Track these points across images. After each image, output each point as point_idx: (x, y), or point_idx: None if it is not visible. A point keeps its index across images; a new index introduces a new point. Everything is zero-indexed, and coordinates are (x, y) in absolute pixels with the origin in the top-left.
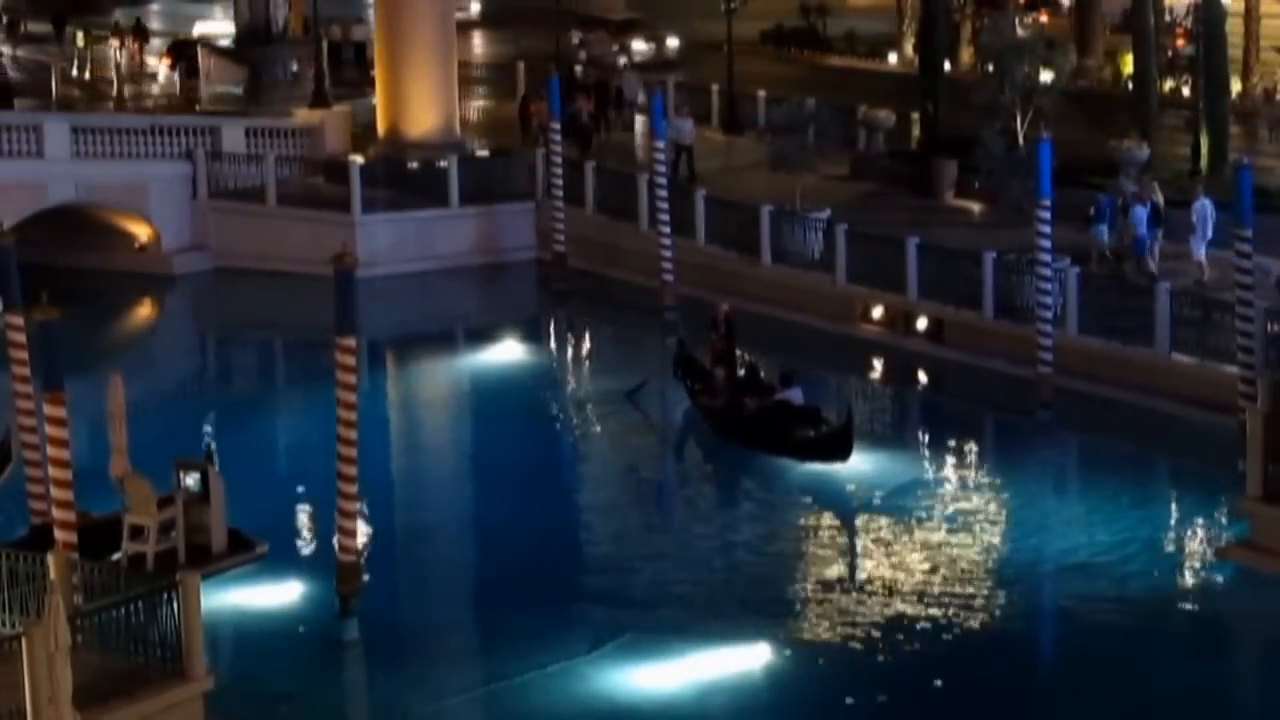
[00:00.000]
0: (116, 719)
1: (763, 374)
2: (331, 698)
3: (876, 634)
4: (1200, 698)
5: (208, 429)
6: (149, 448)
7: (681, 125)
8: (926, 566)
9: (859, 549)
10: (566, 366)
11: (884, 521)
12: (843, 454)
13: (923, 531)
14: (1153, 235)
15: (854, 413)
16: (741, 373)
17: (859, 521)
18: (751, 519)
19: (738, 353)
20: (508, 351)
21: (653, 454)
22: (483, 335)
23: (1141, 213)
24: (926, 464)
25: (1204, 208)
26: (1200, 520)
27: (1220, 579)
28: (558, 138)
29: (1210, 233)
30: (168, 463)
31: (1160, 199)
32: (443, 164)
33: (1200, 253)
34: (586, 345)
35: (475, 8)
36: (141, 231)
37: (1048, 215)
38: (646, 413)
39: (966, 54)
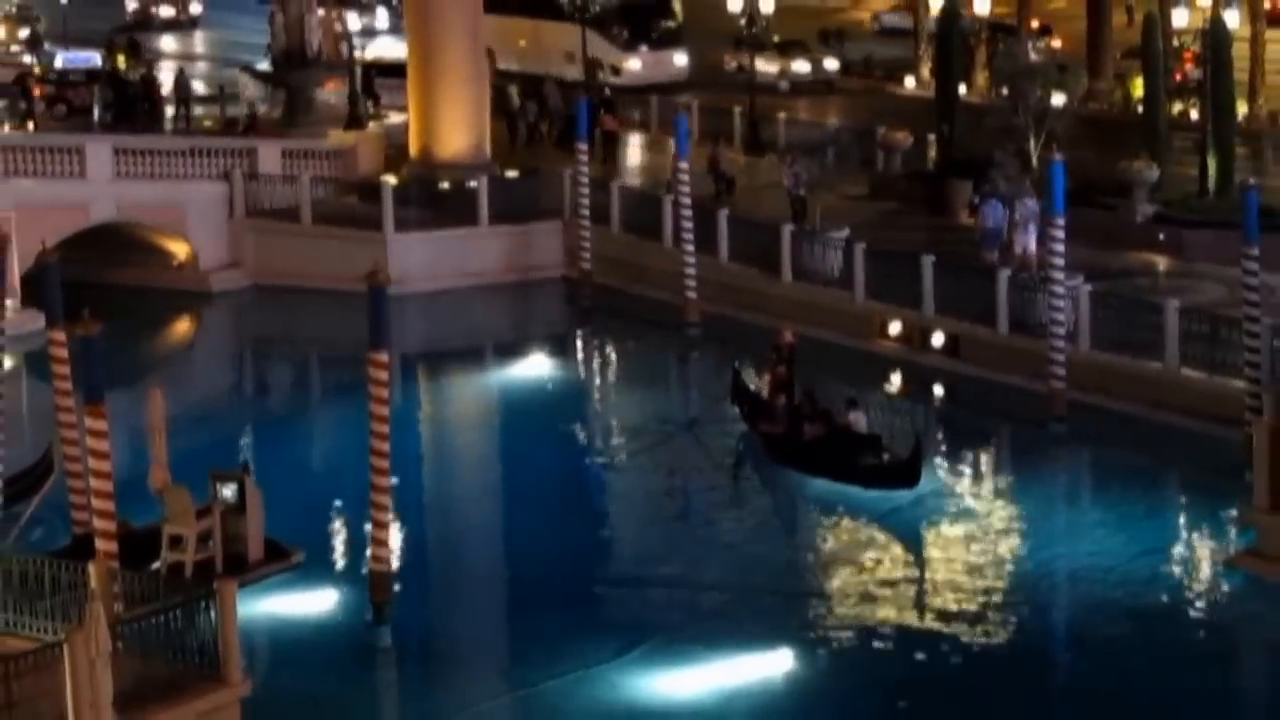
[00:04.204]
0: None
1: (819, 400)
2: (365, 704)
3: (897, 642)
4: (1209, 702)
5: (244, 441)
6: (188, 460)
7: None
8: (946, 575)
9: (881, 560)
10: (594, 382)
11: (905, 533)
12: (911, 482)
13: (943, 541)
14: (1031, 231)
15: (922, 441)
16: (797, 400)
17: (881, 534)
18: (780, 534)
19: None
20: (536, 366)
21: (698, 474)
22: (512, 351)
23: (997, 208)
24: (945, 476)
25: (1032, 206)
26: (1209, 530)
27: (1229, 587)
28: (585, 158)
29: (1034, 228)
30: (206, 474)
31: (1033, 198)
32: (473, 184)
33: (1029, 245)
34: (613, 360)
35: None
36: (180, 250)
37: (1061, 234)
38: (702, 439)
39: (981, 78)
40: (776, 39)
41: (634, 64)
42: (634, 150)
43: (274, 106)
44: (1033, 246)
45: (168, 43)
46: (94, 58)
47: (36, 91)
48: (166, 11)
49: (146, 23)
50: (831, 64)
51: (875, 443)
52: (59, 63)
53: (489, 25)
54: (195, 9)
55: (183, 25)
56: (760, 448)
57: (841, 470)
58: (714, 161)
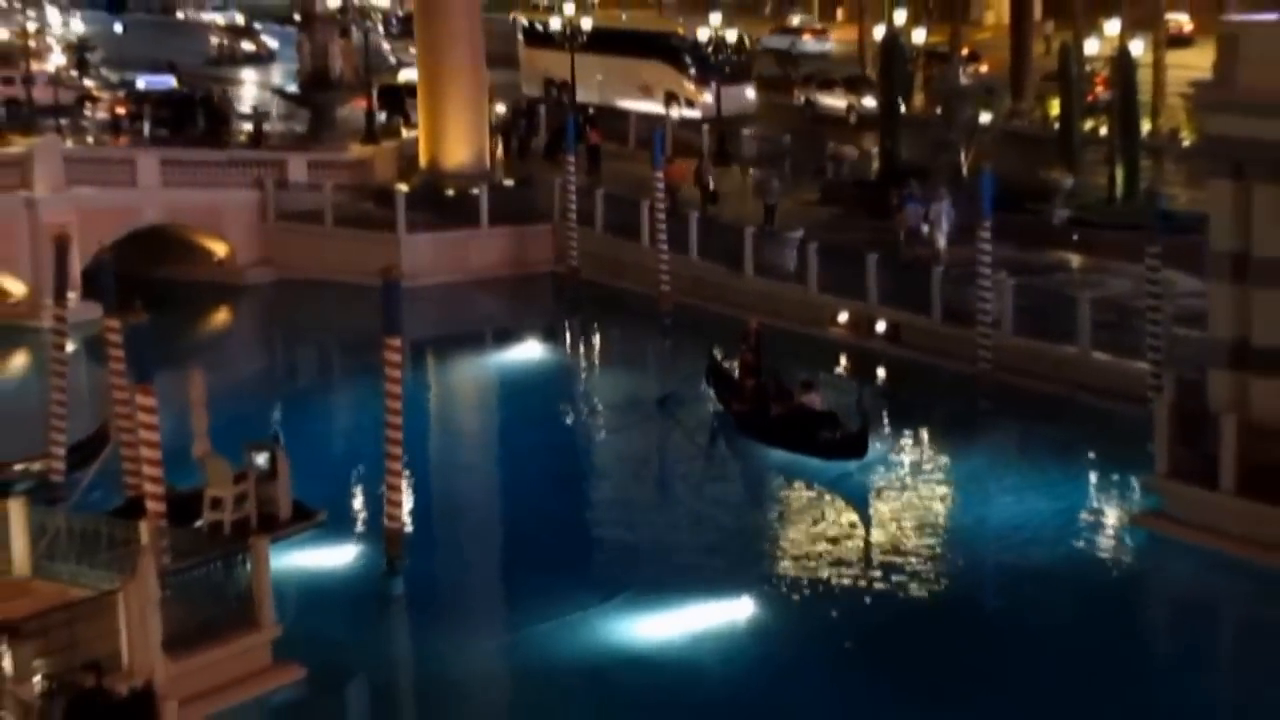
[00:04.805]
0: (198, 662)
1: (783, 382)
2: (380, 643)
3: (845, 590)
4: (1115, 636)
5: (275, 415)
6: (225, 432)
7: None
8: (889, 533)
9: (833, 520)
10: (581, 364)
11: (854, 496)
12: (860, 453)
13: (886, 504)
14: (945, 226)
15: (869, 417)
16: (764, 382)
17: (834, 497)
18: (746, 498)
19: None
20: (530, 351)
21: (671, 444)
22: (508, 337)
23: (916, 209)
24: (888, 447)
25: (945, 205)
26: (1116, 494)
27: (1133, 543)
28: (572, 168)
29: (947, 226)
30: (241, 445)
31: (945, 203)
32: (474, 192)
33: (941, 241)
34: (597, 345)
35: None
36: (218, 248)
37: (988, 235)
38: (672, 413)
39: (919, 98)
40: (842, 75)
41: (707, 97)
42: (616, 162)
43: (301, 123)
44: (943, 241)
45: (248, 74)
46: (170, 80)
47: (120, 110)
48: (248, 46)
49: (231, 57)
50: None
51: (831, 419)
52: (140, 84)
53: (567, 62)
54: (272, 45)
55: (261, 59)
56: (732, 423)
57: (801, 443)
58: (699, 174)
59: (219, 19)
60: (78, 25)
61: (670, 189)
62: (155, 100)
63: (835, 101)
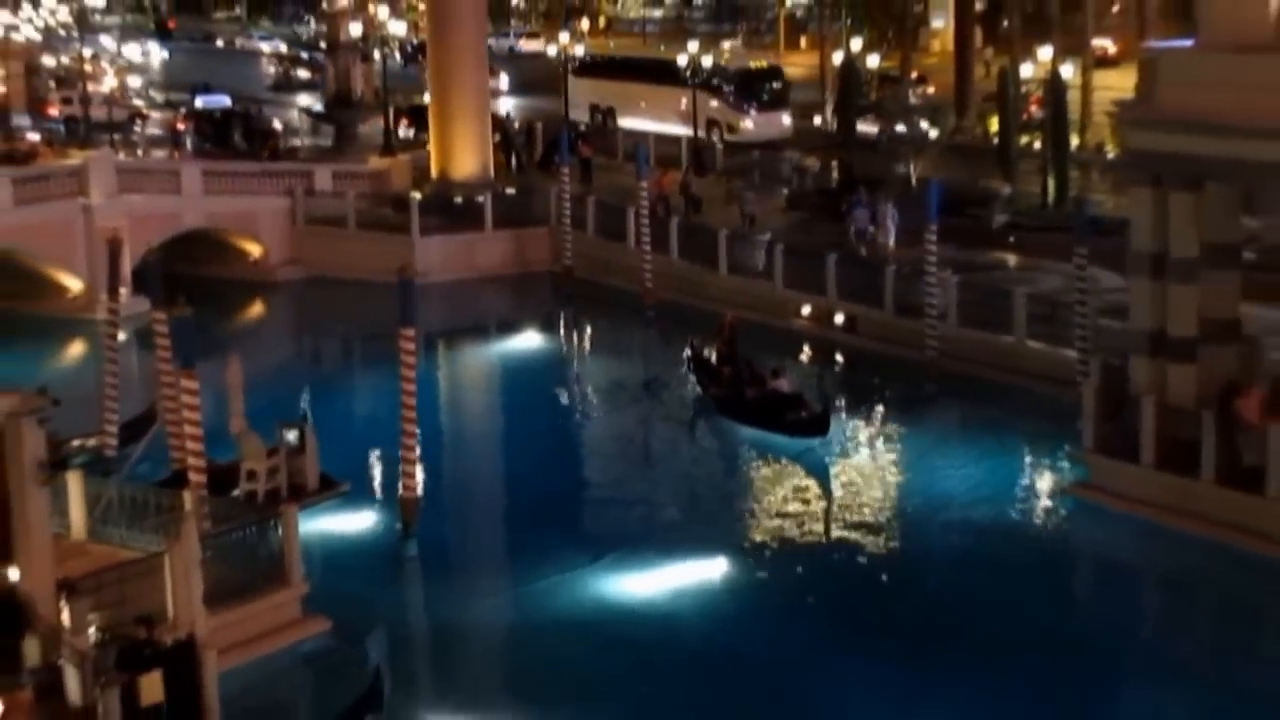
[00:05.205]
0: (235, 615)
1: (757, 368)
2: (397, 598)
3: (808, 550)
4: (1046, 590)
5: (303, 397)
6: (259, 411)
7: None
8: (847, 500)
9: (799, 489)
10: (574, 352)
11: (817, 469)
12: (823, 431)
13: (845, 475)
14: (891, 228)
15: (830, 400)
16: (739, 368)
17: (799, 469)
18: (722, 470)
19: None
20: (529, 340)
21: (653, 423)
22: (510, 327)
23: (863, 212)
24: (846, 426)
25: (890, 209)
26: (1048, 466)
27: (1063, 510)
28: (566, 178)
29: (893, 227)
30: (273, 423)
31: (890, 207)
32: (480, 199)
33: (890, 239)
34: (589, 335)
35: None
36: (253, 249)
37: (934, 237)
38: (657, 396)
39: (873, 116)
40: (876, 100)
41: (747, 123)
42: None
43: (326, 138)
44: (891, 240)
45: (304, 98)
46: (225, 100)
47: (180, 125)
48: (303, 74)
49: (289, 83)
50: (924, 124)
51: (798, 401)
52: (199, 103)
53: (613, 90)
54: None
55: (315, 85)
56: (710, 405)
57: (771, 422)
58: (685, 185)
59: (268, 47)
60: (130, 51)
61: (663, 196)
62: (201, 117)
63: (870, 128)
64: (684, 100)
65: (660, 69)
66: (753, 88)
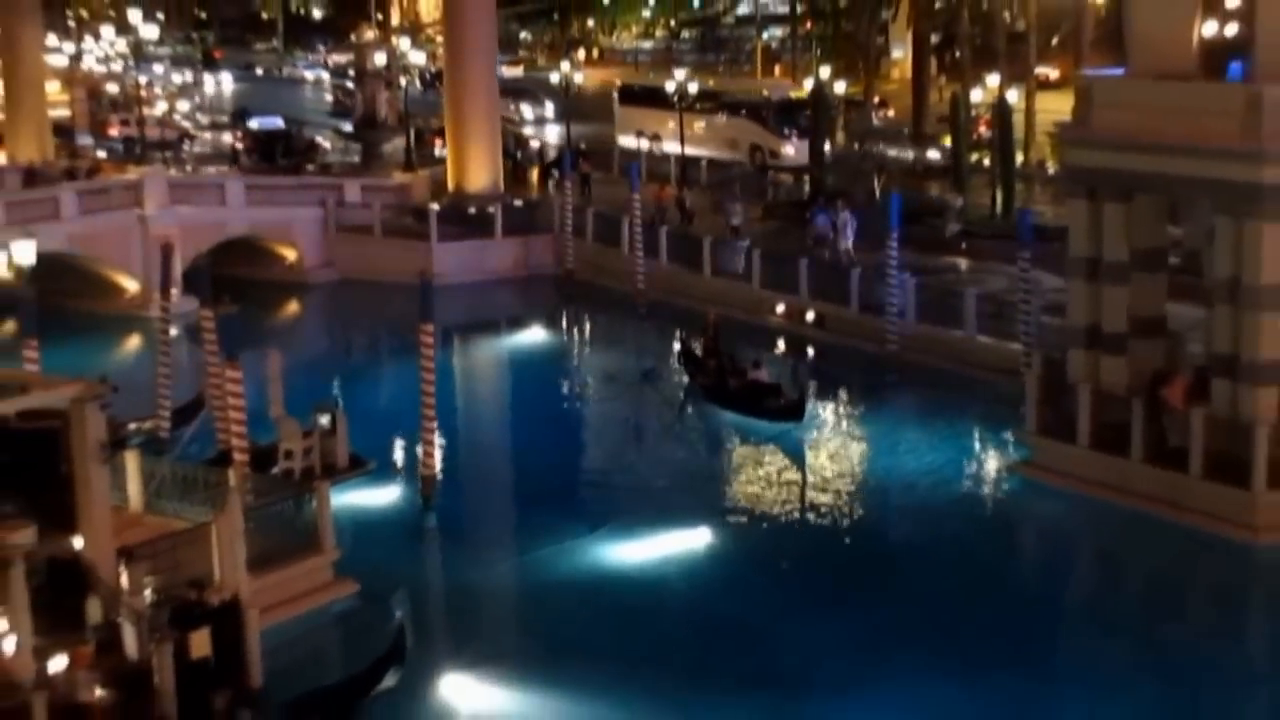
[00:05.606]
0: (274, 579)
1: (739, 361)
2: (417, 563)
3: (784, 523)
4: (993, 557)
5: (335, 385)
6: (295, 398)
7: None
8: (818, 478)
9: (776, 468)
10: (575, 346)
11: (793, 450)
12: (799, 417)
13: (817, 456)
14: (849, 234)
15: (805, 389)
16: (723, 361)
17: (777, 450)
18: (707, 451)
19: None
20: (535, 335)
21: (646, 408)
22: (518, 324)
23: (824, 219)
24: (816, 411)
25: (847, 217)
26: (996, 447)
27: (1009, 487)
28: (569, 191)
29: (851, 233)
30: (308, 408)
31: (848, 215)
32: (491, 209)
33: (848, 243)
34: (588, 331)
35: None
36: (290, 254)
37: (895, 243)
38: (654, 385)
39: (840, 135)
40: (907, 130)
41: (788, 149)
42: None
43: (355, 155)
44: (849, 244)
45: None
46: (279, 121)
47: (239, 145)
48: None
49: (346, 110)
50: (883, 147)
51: (776, 390)
52: (253, 124)
53: (656, 117)
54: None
55: None
56: (698, 393)
57: (752, 408)
58: (679, 200)
59: (310, 75)
60: (202, 79)
61: (662, 208)
62: (254, 136)
63: (904, 154)
64: (731, 129)
65: (704, 97)
66: (792, 115)
